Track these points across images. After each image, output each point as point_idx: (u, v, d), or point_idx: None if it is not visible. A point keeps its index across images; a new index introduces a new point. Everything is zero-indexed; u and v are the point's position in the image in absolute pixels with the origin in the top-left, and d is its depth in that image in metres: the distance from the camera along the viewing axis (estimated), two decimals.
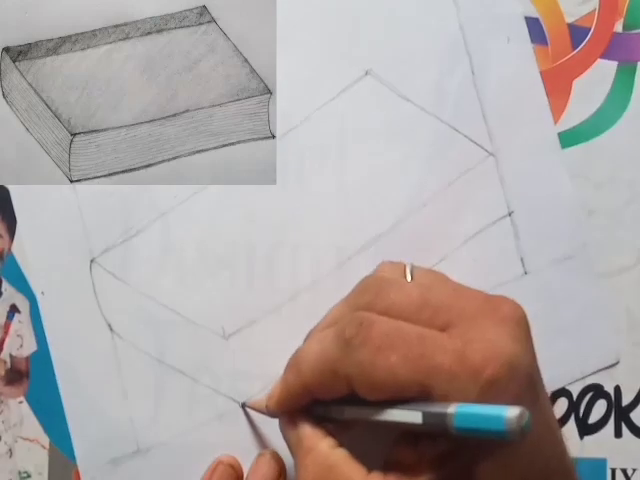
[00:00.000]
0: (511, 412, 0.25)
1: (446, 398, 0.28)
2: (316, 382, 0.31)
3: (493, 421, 0.25)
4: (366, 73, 0.40)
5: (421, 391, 0.28)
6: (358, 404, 0.31)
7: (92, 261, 0.39)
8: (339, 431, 0.32)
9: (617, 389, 0.40)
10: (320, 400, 0.32)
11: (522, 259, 0.40)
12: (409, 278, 0.33)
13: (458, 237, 0.40)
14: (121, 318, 0.39)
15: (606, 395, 0.40)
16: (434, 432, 0.28)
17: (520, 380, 0.28)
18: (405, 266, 0.34)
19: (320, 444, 0.31)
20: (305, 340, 0.34)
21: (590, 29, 0.41)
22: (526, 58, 0.41)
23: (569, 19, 0.41)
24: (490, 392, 0.27)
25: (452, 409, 0.27)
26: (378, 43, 0.40)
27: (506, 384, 0.28)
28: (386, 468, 0.30)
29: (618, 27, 0.41)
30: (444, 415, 0.27)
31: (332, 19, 0.40)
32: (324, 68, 0.40)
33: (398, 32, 0.40)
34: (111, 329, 0.39)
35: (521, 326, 0.30)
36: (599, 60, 0.41)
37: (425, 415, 0.28)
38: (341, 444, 0.32)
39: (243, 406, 0.39)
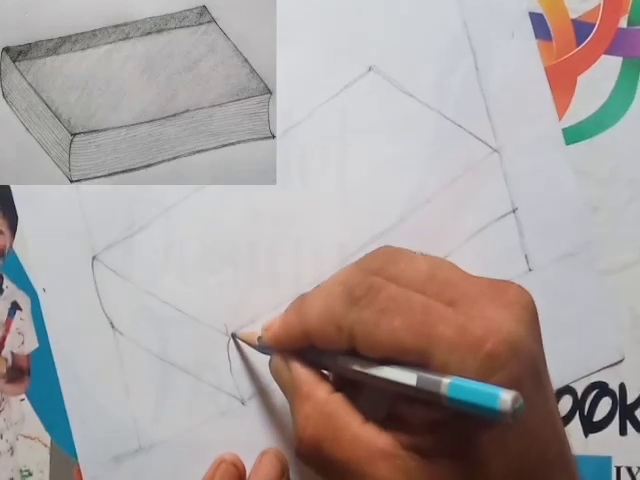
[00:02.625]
0: (506, 394, 0.25)
1: (444, 369, 0.28)
2: (318, 331, 0.31)
3: (486, 398, 0.26)
4: (369, 69, 0.40)
5: (420, 358, 0.28)
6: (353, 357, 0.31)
7: (94, 258, 0.39)
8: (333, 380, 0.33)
9: (622, 387, 0.40)
10: (316, 348, 0.32)
11: (526, 256, 0.40)
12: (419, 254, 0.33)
13: (461, 234, 0.40)
14: (123, 315, 0.39)
15: (611, 393, 0.40)
16: (427, 399, 0.28)
17: (522, 362, 0.28)
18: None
19: (318, 390, 0.32)
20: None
21: (594, 25, 0.40)
22: (530, 54, 0.40)
23: (573, 15, 0.41)
24: (489, 368, 0.27)
25: (448, 379, 0.27)
26: (381, 40, 0.40)
27: (506, 361, 0.27)
28: (382, 421, 0.30)
29: (623, 23, 0.41)
30: (439, 382, 0.27)
31: (333, 17, 0.40)
32: (325, 66, 0.40)
33: (401, 28, 0.40)
34: (113, 326, 0.39)
35: (527, 310, 0.30)
36: (603, 56, 0.40)
37: (420, 379, 0.28)
38: (336, 390, 0.32)
39: (233, 336, 0.39)
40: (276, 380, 0.34)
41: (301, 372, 0.32)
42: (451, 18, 0.40)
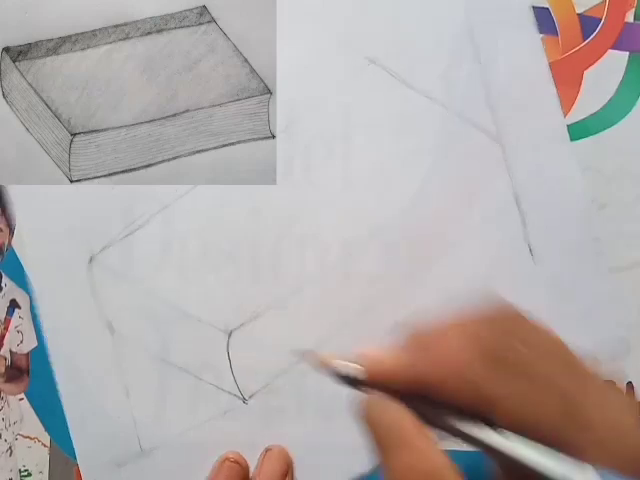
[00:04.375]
0: None
1: (590, 459, 0.26)
2: (444, 384, 0.28)
3: None
4: (370, 62, 0.39)
5: (565, 445, 0.27)
6: (473, 420, 0.28)
7: (92, 258, 0.39)
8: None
9: (629, 385, 0.39)
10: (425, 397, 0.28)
11: (531, 250, 0.39)
12: None
13: (466, 228, 0.39)
14: (122, 315, 0.39)
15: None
16: None
17: None
18: None
19: (424, 441, 0.27)
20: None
21: (601, 19, 0.40)
22: (534, 49, 0.39)
23: (579, 9, 0.40)
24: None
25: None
26: (382, 34, 0.40)
27: None
28: None
29: (629, 17, 0.40)
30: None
31: (333, 15, 0.40)
32: (326, 63, 0.39)
33: (403, 22, 0.40)
34: (111, 327, 0.39)
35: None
36: (610, 51, 0.40)
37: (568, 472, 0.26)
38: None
39: (304, 356, 0.34)
40: (367, 420, 0.29)
41: (407, 417, 0.28)
42: (454, 12, 0.40)
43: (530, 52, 0.39)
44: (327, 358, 0.31)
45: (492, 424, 0.27)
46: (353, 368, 0.29)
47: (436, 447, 0.27)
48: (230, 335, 0.38)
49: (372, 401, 0.29)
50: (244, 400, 0.38)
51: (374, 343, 0.30)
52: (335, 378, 0.30)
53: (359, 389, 0.29)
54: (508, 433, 0.27)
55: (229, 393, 0.38)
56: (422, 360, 0.28)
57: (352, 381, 0.30)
